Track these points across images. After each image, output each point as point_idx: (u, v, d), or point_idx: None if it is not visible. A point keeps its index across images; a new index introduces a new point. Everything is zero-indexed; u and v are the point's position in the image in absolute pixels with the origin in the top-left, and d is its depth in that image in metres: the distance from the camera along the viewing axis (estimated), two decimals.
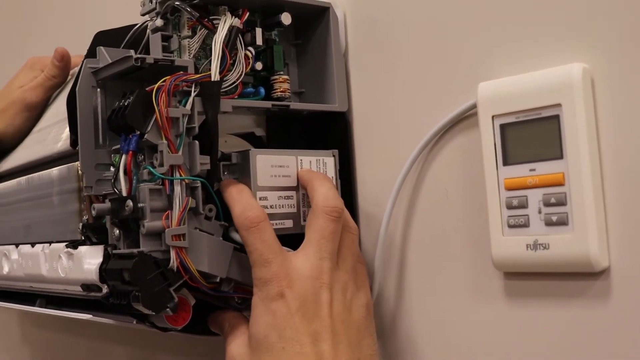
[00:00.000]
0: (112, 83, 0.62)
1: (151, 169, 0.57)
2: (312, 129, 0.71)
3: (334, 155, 0.66)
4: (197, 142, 0.58)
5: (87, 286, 0.63)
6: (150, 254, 0.56)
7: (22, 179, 0.80)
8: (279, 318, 0.56)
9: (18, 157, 0.84)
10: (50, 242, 0.70)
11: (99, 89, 0.62)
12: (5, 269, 0.78)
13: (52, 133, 0.77)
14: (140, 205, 0.56)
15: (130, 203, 0.56)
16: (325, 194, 0.60)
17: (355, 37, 0.69)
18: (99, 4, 1.12)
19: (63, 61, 0.83)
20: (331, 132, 0.69)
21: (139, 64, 0.57)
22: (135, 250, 0.56)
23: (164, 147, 0.56)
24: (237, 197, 0.59)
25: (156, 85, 0.57)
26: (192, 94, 0.58)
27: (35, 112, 0.85)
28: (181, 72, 0.58)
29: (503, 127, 0.55)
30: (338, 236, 0.59)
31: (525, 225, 0.53)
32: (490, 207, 0.55)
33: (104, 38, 0.67)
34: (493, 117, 0.55)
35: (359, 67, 0.68)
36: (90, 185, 0.61)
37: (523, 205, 0.53)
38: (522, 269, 0.55)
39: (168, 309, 0.56)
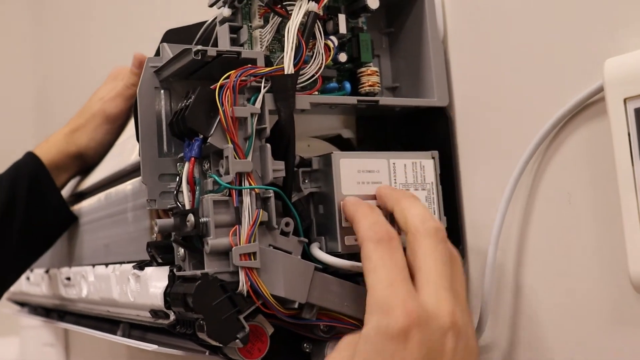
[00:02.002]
0: (178, 84, 0.56)
1: (216, 178, 0.49)
2: (409, 129, 0.62)
3: (433, 157, 0.57)
4: (269, 145, 0.50)
5: (154, 312, 0.56)
6: (216, 276, 0.48)
7: (101, 195, 0.75)
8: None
9: (99, 172, 0.80)
10: (122, 263, 0.63)
11: (162, 90, 0.55)
12: (84, 292, 0.73)
13: (130, 144, 0.72)
14: (203, 219, 0.49)
15: (191, 217, 0.48)
16: (423, 214, 0.49)
17: (454, 21, 0.59)
18: (176, 4, 1.07)
19: (141, 67, 0.77)
20: (430, 130, 0.60)
21: (199, 57, 0.49)
22: (198, 272, 0.48)
23: (229, 152, 0.49)
24: (368, 212, 0.49)
25: (220, 82, 0.49)
26: (262, 90, 0.51)
27: (117, 123, 0.81)
28: (249, 66, 0.50)
29: (639, 111, 0.43)
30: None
31: None
32: (626, 214, 0.44)
33: (174, 36, 0.61)
34: (625, 100, 0.44)
35: (460, 55, 0.59)
36: (153, 198, 0.54)
37: None
38: None
39: (238, 340, 0.48)
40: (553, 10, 0.50)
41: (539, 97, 0.52)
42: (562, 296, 0.50)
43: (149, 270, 0.56)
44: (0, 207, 0.79)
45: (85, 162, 0.83)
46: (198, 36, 0.60)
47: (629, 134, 0.44)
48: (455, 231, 0.57)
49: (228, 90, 0.49)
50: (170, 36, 0.61)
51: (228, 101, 0.49)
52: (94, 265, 0.71)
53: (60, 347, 1.52)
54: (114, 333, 0.74)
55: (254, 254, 0.48)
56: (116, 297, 0.63)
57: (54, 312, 0.99)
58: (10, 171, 0.82)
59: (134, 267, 0.58)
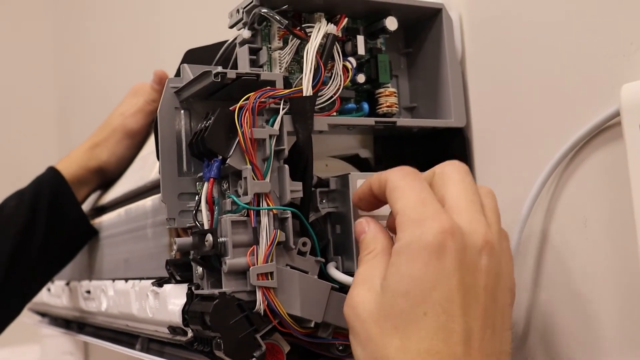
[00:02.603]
0: (198, 104, 0.56)
1: (234, 198, 0.50)
2: (426, 149, 0.62)
3: None
4: (287, 166, 0.51)
5: (173, 329, 0.57)
6: (234, 295, 0.49)
7: (122, 210, 0.76)
8: (430, 273, 0.42)
9: (120, 187, 0.81)
10: (141, 279, 0.64)
11: (182, 111, 0.56)
12: (104, 306, 0.74)
13: (150, 160, 0.72)
14: (221, 239, 0.49)
15: (210, 237, 0.49)
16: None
17: (472, 42, 0.59)
18: (197, 21, 1.08)
19: (162, 84, 0.78)
20: (447, 151, 0.60)
21: (219, 80, 0.50)
22: (216, 291, 0.49)
23: (248, 173, 0.49)
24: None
25: (239, 103, 0.50)
26: (281, 112, 0.51)
27: (137, 139, 0.82)
28: (268, 88, 0.51)
29: None
30: None
31: None
32: None
33: (194, 56, 0.62)
34: None
35: (478, 75, 0.59)
36: (172, 217, 0.55)
37: None
38: None
39: (254, 359, 0.49)
40: (572, 33, 0.51)
41: (555, 120, 0.52)
42: (577, 320, 0.50)
43: (167, 287, 0.57)
44: (23, 221, 0.81)
45: (105, 177, 0.84)
46: (218, 56, 0.61)
47: None
48: None
49: (247, 112, 0.50)
50: (191, 56, 0.62)
51: (247, 123, 0.50)
52: (113, 280, 0.72)
53: (79, 356, 1.53)
54: (133, 346, 0.75)
55: (271, 273, 0.49)
56: (135, 313, 0.64)
57: (73, 323, 1.00)
58: (32, 186, 0.83)
59: (153, 284, 0.59)
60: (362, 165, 0.61)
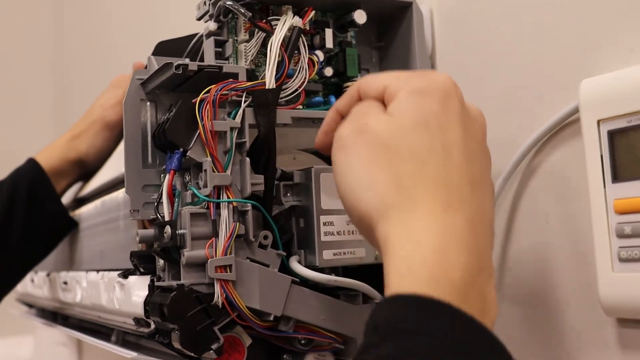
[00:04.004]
0: (165, 96, 0.56)
1: (194, 191, 0.50)
2: None
3: None
4: (248, 159, 0.51)
5: (137, 320, 0.57)
6: (192, 287, 0.49)
7: (98, 201, 0.76)
8: (423, 109, 0.42)
9: (98, 178, 0.81)
10: (111, 270, 0.64)
11: (148, 103, 0.56)
12: (78, 297, 0.74)
13: None
14: (180, 231, 0.49)
15: (168, 229, 0.49)
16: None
17: (443, 36, 0.59)
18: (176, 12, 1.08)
19: None
20: None
21: (180, 72, 0.50)
22: (174, 283, 0.49)
23: (208, 166, 0.49)
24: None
25: (200, 96, 0.50)
26: (243, 105, 0.51)
27: (116, 130, 0.82)
28: (230, 80, 0.51)
29: (612, 134, 0.43)
30: None
31: None
32: (597, 236, 0.44)
33: (166, 48, 0.62)
34: (599, 122, 0.44)
35: (448, 70, 0.59)
36: (136, 209, 0.54)
37: (639, 233, 0.42)
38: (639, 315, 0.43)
39: (212, 351, 0.49)
40: (539, 29, 0.50)
41: (521, 115, 0.52)
42: (538, 316, 0.50)
43: (132, 279, 0.57)
44: (0, 212, 0.81)
45: (85, 168, 0.84)
46: (189, 49, 0.60)
47: (601, 156, 0.44)
48: None
49: (208, 105, 0.50)
50: (162, 48, 0.62)
51: (208, 115, 0.50)
52: (87, 271, 0.72)
53: (72, 347, 1.53)
54: (109, 338, 0.75)
55: (230, 266, 0.49)
56: (104, 304, 0.64)
57: (59, 315, 1.00)
58: (11, 177, 0.84)
59: (119, 275, 0.59)
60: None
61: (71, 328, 0.87)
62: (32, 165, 0.83)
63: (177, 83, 0.54)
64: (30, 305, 1.18)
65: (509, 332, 0.53)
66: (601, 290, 0.44)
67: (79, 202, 0.87)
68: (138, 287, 0.55)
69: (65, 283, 0.80)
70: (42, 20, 2.05)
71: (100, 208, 0.74)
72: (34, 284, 1.00)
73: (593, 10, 0.46)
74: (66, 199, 0.88)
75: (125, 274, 0.58)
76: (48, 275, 0.92)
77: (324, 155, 0.60)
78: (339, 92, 0.58)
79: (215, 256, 0.49)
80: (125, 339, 0.74)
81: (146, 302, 0.53)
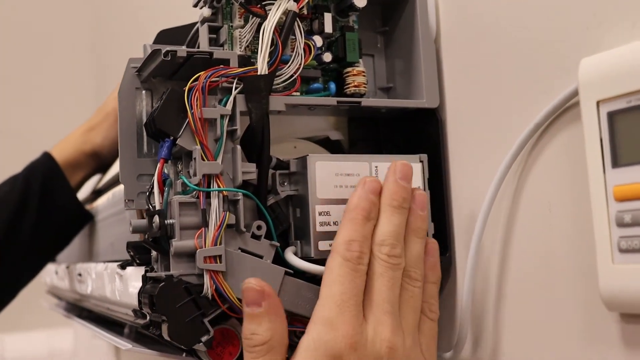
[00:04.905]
0: (161, 84, 0.55)
1: (184, 179, 0.49)
2: (401, 131, 0.60)
3: (421, 161, 0.55)
4: (239, 147, 0.49)
5: (135, 312, 0.56)
6: (181, 278, 0.48)
7: (110, 193, 0.75)
8: None
9: (113, 170, 0.81)
10: (116, 261, 0.64)
11: (144, 91, 0.55)
12: (89, 289, 0.74)
13: None
14: (169, 221, 0.48)
15: (157, 219, 0.48)
16: (384, 236, 0.49)
17: (447, 21, 0.57)
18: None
19: None
20: (422, 133, 0.58)
21: (169, 58, 0.49)
22: (163, 274, 0.48)
23: (197, 154, 0.48)
24: (358, 224, 0.49)
25: (189, 83, 0.49)
26: (233, 92, 0.50)
27: None
28: (220, 67, 0.50)
29: (611, 115, 0.41)
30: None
31: None
32: (597, 225, 0.41)
33: (167, 37, 0.61)
34: (598, 103, 0.41)
35: (452, 56, 0.57)
36: (131, 198, 0.54)
37: (639, 221, 0.39)
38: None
39: (202, 343, 0.48)
40: (545, 11, 0.48)
41: (524, 99, 0.49)
42: (541, 309, 0.48)
43: (129, 270, 0.56)
44: (14, 205, 0.81)
45: (101, 161, 0.84)
46: (190, 37, 0.60)
47: (601, 140, 0.41)
48: (443, 237, 0.55)
49: (197, 92, 0.49)
50: (163, 37, 0.61)
51: (197, 102, 0.49)
52: (97, 263, 0.72)
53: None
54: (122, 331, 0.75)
55: (219, 257, 0.48)
56: (108, 295, 0.63)
57: (81, 307, 1.01)
58: (25, 171, 0.84)
59: (118, 267, 0.58)
60: (334, 147, 0.59)
61: (90, 321, 0.87)
62: (46, 158, 0.83)
63: (172, 71, 0.53)
64: (59, 298, 1.19)
65: (515, 322, 0.50)
66: (601, 283, 0.41)
67: (97, 194, 0.88)
68: (135, 279, 0.55)
69: (80, 275, 0.80)
70: (81, 6, 2.08)
71: (112, 200, 0.74)
72: (58, 275, 1.00)
73: None
74: (84, 191, 0.88)
75: (123, 265, 0.57)
76: (67, 267, 0.93)
77: (328, 144, 0.59)
78: (339, 78, 0.57)
79: (205, 246, 0.48)
80: (138, 332, 0.73)
81: (139, 294, 0.52)
